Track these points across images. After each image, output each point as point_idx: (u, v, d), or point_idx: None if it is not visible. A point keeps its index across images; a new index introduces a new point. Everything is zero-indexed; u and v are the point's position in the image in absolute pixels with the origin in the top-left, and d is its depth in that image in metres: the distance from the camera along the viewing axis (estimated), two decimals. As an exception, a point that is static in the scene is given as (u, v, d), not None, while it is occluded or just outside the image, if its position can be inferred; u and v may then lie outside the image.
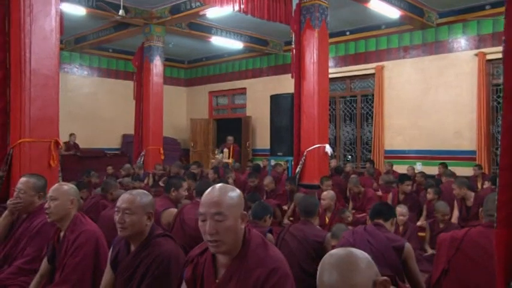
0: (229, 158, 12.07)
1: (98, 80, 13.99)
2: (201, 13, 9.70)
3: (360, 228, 3.16)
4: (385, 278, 1.38)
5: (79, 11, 9.39)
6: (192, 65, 16.23)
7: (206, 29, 11.63)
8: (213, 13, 9.68)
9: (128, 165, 9.58)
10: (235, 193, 1.87)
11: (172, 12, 10.12)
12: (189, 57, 15.84)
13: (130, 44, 12.56)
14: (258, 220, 3.81)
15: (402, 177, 6.62)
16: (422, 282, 2.87)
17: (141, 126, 10.93)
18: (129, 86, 12.35)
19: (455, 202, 5.38)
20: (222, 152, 12.32)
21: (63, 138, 5.07)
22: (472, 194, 5.67)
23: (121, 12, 8.86)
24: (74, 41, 12.75)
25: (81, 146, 12.06)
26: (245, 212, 1.87)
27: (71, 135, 11.76)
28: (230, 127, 14.73)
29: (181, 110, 16.10)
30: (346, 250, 1.42)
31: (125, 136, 13.86)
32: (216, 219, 1.77)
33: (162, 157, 10.83)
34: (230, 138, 12.74)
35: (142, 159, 10.61)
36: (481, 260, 2.20)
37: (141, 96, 10.92)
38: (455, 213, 4.97)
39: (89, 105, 13.42)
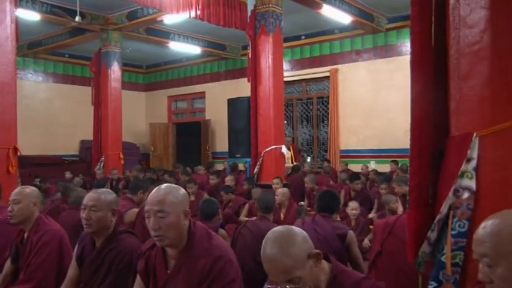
0: (292, 162, 10.42)
1: (54, 85, 13.79)
2: (158, 19, 9.82)
3: (308, 219, 3.45)
4: (317, 251, 1.65)
5: (33, 16, 9.29)
6: (150, 70, 16.24)
7: (164, 34, 11.73)
8: (170, 19, 9.81)
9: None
10: (178, 192, 2.04)
11: (130, 18, 10.19)
12: (147, 62, 15.85)
13: (87, 49, 12.47)
14: (209, 218, 4.00)
15: (352, 177, 6.95)
16: (363, 265, 3.17)
17: (99, 132, 10.91)
18: (86, 91, 12.28)
19: (398, 198, 5.75)
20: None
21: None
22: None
23: (77, 18, 8.84)
24: (27, 46, 12.50)
25: (37, 153, 11.87)
26: (188, 209, 2.04)
27: None
28: (190, 131, 14.85)
29: (140, 115, 16.06)
30: (286, 227, 1.69)
31: (83, 142, 13.72)
32: (158, 216, 1.96)
33: (122, 162, 10.85)
34: (289, 137, 11.12)
35: (101, 165, 10.60)
36: (409, 241, 2.49)
37: (99, 102, 10.92)
38: (400, 208, 5.33)
39: (45, 111, 13.20)
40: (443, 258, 1.84)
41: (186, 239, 2.04)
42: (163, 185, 2.11)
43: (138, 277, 2.18)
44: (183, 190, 2.10)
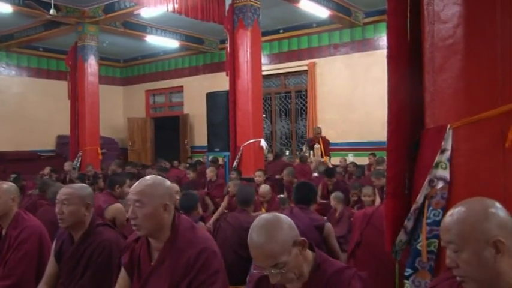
0: (323, 156, 9.64)
1: (28, 80, 13.51)
2: (136, 12, 9.72)
3: (287, 211, 3.49)
4: (303, 238, 1.70)
5: (5, 8, 9.08)
6: (128, 64, 16.07)
7: (141, 28, 11.62)
8: (147, 12, 9.72)
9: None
10: (161, 185, 2.06)
11: (106, 11, 10.05)
12: (124, 56, 15.68)
13: (63, 42, 12.24)
14: (189, 211, 4.02)
15: (328, 173, 7.00)
16: (341, 256, 3.24)
17: (77, 127, 10.76)
18: (62, 85, 12.06)
19: (376, 190, 5.86)
20: (311, 148, 10.00)
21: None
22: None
23: (52, 11, 8.69)
24: (-1, 39, 12.26)
25: (12, 149, 11.66)
26: (168, 204, 2.04)
27: None
28: (168, 125, 14.78)
29: (118, 109, 15.88)
30: (273, 215, 1.74)
31: (59, 137, 13.50)
32: (136, 205, 1.99)
33: (100, 157, 10.75)
34: (319, 128, 10.13)
35: (79, 160, 10.47)
36: (387, 231, 2.56)
37: (76, 96, 10.76)
38: (377, 199, 5.44)
39: (19, 106, 12.91)
40: (419, 246, 1.91)
41: (170, 231, 2.07)
42: (149, 176, 2.13)
43: (122, 270, 2.19)
44: (167, 183, 2.11)
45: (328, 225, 3.33)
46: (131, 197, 2.02)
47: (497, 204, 1.40)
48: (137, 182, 2.08)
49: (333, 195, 5.53)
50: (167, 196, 2.06)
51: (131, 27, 11.40)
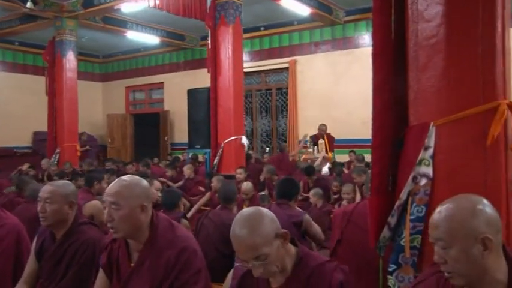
0: (328, 152, 9.45)
1: (3, 74, 13.12)
2: (116, 7, 9.58)
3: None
4: (285, 230, 1.73)
5: (-20, 1, 8.89)
6: (107, 60, 15.86)
7: (121, 23, 11.47)
8: (127, 8, 9.59)
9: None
10: (137, 186, 2.02)
11: (85, 6, 9.88)
12: (104, 52, 15.46)
13: (40, 37, 11.97)
14: (171, 208, 4.01)
15: (307, 171, 7.04)
16: (323, 236, 3.35)
17: (54, 123, 10.57)
18: (39, 81, 11.76)
19: (357, 187, 5.93)
20: (315, 144, 9.72)
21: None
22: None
23: (29, 4, 8.53)
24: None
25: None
26: (146, 204, 2.00)
27: None
28: (148, 122, 14.66)
29: (96, 106, 15.66)
30: (255, 208, 1.76)
31: (36, 133, 13.24)
32: (112, 207, 1.95)
33: (79, 154, 10.60)
34: (324, 125, 9.79)
35: (57, 157, 10.30)
36: (367, 227, 2.58)
37: (53, 92, 10.56)
38: (358, 196, 5.51)
39: (-7, 101, 12.61)
40: (402, 242, 1.93)
41: (149, 231, 2.04)
42: (125, 177, 2.08)
43: (100, 271, 2.16)
44: (144, 183, 2.06)
45: (306, 217, 3.40)
46: (106, 199, 1.98)
47: (485, 201, 1.44)
48: (113, 183, 2.02)
49: (312, 191, 5.59)
50: (144, 196, 2.02)
51: (111, 22, 11.24)
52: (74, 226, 2.54)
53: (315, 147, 9.58)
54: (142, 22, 11.73)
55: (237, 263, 1.75)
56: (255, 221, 1.68)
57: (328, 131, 9.77)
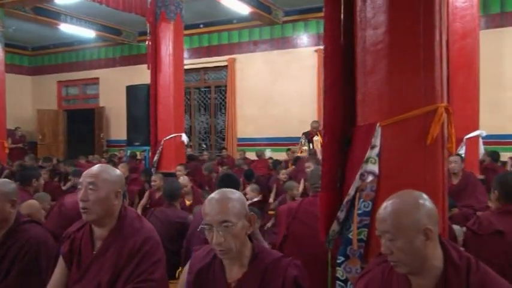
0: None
1: None
2: (49, -2, 9.20)
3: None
4: (252, 213, 1.82)
5: None
6: (37, 52, 15.11)
7: (54, 14, 10.96)
8: (62, -1, 9.24)
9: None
10: (114, 172, 2.12)
11: (13, -6, 9.40)
12: (34, 44, 14.72)
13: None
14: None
15: (246, 175, 7.11)
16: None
17: (-21, 118, 9.96)
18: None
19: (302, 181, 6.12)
20: (310, 141, 9.41)
21: None
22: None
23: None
24: None
25: None
26: (120, 191, 2.09)
27: None
28: (82, 118, 14.17)
29: (26, 100, 14.89)
30: (226, 189, 1.84)
31: (-42, 129, 12.40)
32: (89, 188, 2.00)
33: (7, 151, 10.05)
34: (316, 122, 9.49)
35: (-18, 154, 9.71)
36: (312, 224, 2.67)
37: (-22, 85, 9.94)
38: (301, 188, 5.67)
39: None
40: (350, 235, 2.06)
41: (116, 220, 2.09)
42: (100, 164, 2.19)
43: (60, 259, 2.16)
44: (119, 172, 2.16)
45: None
46: (85, 180, 2.02)
47: (424, 196, 1.60)
48: (91, 168, 2.10)
49: (249, 187, 5.69)
50: (120, 184, 2.10)
51: (42, 13, 10.71)
52: (16, 225, 2.49)
53: (310, 144, 9.35)
54: (76, 15, 11.29)
55: (202, 225, 1.78)
56: (232, 194, 1.79)
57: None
